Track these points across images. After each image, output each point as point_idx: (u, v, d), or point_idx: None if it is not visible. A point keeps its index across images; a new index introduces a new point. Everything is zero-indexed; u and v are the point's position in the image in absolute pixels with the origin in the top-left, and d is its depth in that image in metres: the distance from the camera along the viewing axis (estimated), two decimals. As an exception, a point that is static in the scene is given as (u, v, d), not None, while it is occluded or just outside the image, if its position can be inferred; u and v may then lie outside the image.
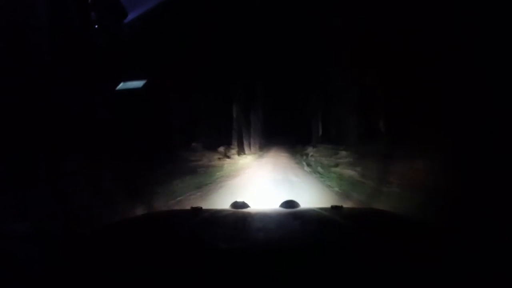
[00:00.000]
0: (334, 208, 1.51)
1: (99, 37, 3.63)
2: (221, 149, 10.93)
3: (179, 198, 5.20)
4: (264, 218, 1.41)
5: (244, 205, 1.66)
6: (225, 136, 11.35)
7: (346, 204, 3.63)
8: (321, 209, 1.52)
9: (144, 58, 4.40)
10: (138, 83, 3.94)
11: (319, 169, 8.59)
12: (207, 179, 7.19)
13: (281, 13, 7.71)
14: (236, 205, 1.67)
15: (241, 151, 13.03)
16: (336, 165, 7.85)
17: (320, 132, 13.25)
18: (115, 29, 3.75)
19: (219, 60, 7.73)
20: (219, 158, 10.18)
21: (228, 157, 10.78)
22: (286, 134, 15.88)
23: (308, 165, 9.44)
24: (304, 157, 10.65)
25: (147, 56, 4.48)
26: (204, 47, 6.74)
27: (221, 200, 5.27)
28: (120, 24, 3.70)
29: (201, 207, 1.53)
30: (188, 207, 1.57)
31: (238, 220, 1.40)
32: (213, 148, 9.64)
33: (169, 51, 5.27)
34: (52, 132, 3.41)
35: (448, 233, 1.19)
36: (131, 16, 3.59)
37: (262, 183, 6.54)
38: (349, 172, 6.74)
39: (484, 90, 3.61)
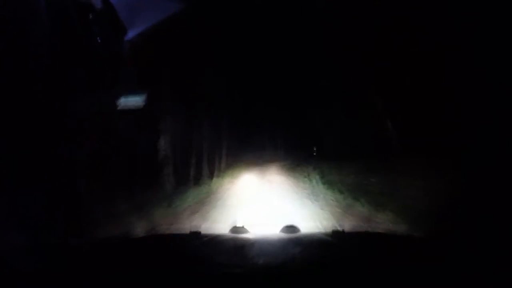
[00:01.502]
0: (335, 232, 1.49)
1: (100, 50, 3.69)
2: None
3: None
4: (264, 243, 1.39)
5: (243, 230, 1.62)
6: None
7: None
8: (322, 233, 1.51)
9: (141, 73, 4.44)
10: (137, 98, 3.97)
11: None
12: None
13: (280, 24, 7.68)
14: (235, 230, 1.64)
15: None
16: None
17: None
18: (116, 44, 3.80)
19: (215, 78, 7.73)
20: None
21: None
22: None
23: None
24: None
25: (145, 72, 4.53)
26: (201, 65, 6.78)
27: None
28: (120, 40, 3.75)
29: (200, 231, 1.50)
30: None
31: (238, 245, 1.37)
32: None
33: (166, 68, 5.33)
34: (51, 141, 3.40)
35: (449, 253, 1.18)
36: (131, 33, 3.66)
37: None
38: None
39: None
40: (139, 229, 3.58)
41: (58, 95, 3.50)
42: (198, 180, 7.11)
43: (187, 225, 4.14)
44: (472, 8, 3.70)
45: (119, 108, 3.81)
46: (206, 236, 1.46)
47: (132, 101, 3.92)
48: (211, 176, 7.90)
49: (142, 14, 3.84)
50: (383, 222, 3.72)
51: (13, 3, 3.09)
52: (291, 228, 1.62)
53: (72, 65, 3.55)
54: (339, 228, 1.57)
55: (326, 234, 1.47)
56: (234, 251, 1.30)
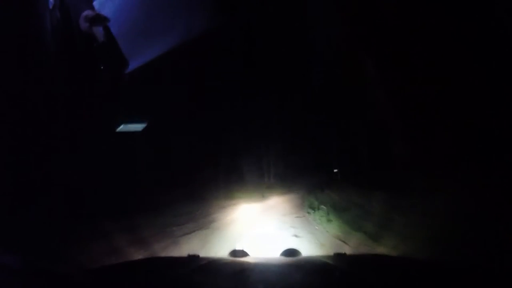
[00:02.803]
0: (337, 255, 1.46)
1: (101, 76, 3.83)
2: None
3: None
4: (264, 268, 1.35)
5: (243, 253, 1.58)
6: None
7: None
8: (324, 257, 1.47)
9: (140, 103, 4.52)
10: (137, 126, 4.04)
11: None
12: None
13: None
14: (235, 253, 1.59)
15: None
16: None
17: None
18: (116, 73, 3.95)
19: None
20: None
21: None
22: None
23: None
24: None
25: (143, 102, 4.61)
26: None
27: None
28: (121, 70, 3.91)
29: (199, 255, 1.45)
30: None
31: (237, 270, 1.33)
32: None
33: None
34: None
35: (455, 276, 1.16)
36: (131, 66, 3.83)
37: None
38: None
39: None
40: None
41: (59, 121, 3.56)
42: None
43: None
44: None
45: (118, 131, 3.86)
46: (204, 259, 1.41)
47: (131, 128, 3.98)
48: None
49: (145, 47, 4.01)
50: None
51: (18, 32, 3.23)
52: (291, 251, 1.58)
53: (74, 90, 3.65)
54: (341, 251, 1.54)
55: (328, 257, 1.44)
56: (233, 276, 1.25)
